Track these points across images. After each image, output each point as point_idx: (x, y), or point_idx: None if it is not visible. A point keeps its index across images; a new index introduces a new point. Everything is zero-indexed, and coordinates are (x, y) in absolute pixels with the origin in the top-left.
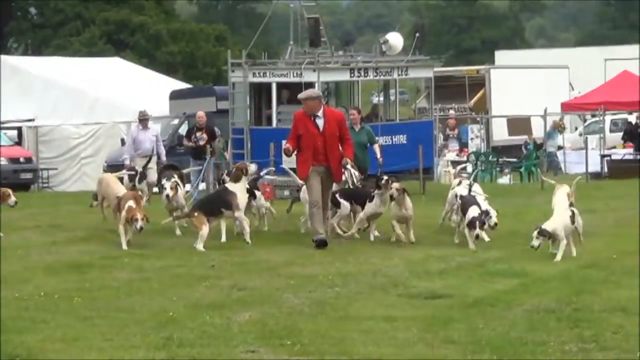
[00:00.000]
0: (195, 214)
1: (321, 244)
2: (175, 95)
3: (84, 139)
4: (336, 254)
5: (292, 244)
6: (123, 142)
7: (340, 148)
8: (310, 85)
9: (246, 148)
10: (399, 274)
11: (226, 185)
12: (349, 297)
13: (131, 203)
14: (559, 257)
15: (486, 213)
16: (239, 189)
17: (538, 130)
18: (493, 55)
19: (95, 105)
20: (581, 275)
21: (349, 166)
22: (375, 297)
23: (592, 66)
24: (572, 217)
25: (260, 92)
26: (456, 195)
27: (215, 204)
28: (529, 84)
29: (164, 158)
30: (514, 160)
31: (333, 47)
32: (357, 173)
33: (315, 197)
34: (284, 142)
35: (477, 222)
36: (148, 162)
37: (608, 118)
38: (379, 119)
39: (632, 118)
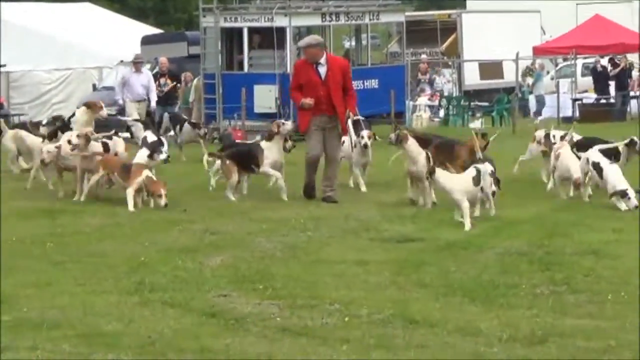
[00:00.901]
0: (227, 162)
1: (308, 196)
2: (146, 41)
3: (55, 84)
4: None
5: (264, 187)
6: (95, 87)
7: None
8: (281, 30)
9: (218, 93)
10: (371, 218)
11: (260, 142)
12: (321, 241)
13: (149, 173)
14: (467, 226)
15: (623, 193)
16: (267, 147)
17: (509, 74)
18: None
19: (67, 50)
20: (553, 219)
21: (350, 121)
22: (347, 241)
23: (564, 10)
24: (477, 177)
25: (231, 37)
26: (590, 163)
27: (246, 160)
28: (500, 29)
29: (153, 104)
30: (486, 104)
31: None
32: (366, 139)
33: (312, 152)
34: (255, 86)
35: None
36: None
37: (580, 62)
38: (352, 63)
39: (604, 62)
